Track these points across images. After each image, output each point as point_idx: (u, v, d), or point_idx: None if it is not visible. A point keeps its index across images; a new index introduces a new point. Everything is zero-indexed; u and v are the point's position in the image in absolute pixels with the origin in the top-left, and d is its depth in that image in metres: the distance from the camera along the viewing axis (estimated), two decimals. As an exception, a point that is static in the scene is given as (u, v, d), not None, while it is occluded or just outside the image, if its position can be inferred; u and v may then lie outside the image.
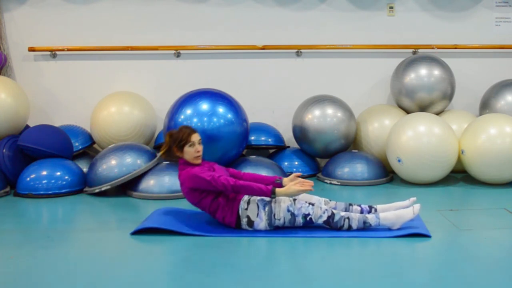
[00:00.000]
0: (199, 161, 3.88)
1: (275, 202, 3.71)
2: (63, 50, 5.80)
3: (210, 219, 4.00)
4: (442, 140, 4.97)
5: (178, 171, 3.92)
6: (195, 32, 5.88)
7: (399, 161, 5.04)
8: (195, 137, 3.88)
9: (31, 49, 5.77)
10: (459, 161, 5.11)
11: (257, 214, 3.71)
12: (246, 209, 3.72)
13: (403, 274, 3.08)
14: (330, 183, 5.24)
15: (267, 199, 3.74)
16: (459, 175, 5.38)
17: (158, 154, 5.08)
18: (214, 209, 3.79)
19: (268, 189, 3.66)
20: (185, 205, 4.50)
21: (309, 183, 3.73)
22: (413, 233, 3.63)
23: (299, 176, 3.83)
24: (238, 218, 3.74)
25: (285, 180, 3.85)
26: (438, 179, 5.10)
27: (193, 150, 3.85)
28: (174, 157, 3.93)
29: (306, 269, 3.18)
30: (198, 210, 4.28)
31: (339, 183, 5.20)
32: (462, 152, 5.05)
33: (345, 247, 3.51)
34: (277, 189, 3.68)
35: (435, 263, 3.26)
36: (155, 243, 3.60)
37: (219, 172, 3.88)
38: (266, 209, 3.71)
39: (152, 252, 3.50)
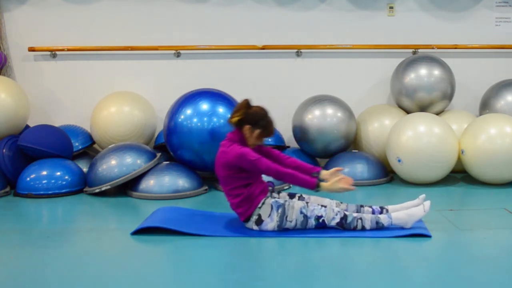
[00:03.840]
0: (254, 146, 3.78)
1: (288, 204, 3.69)
2: (63, 50, 5.80)
3: (210, 219, 4.00)
4: (442, 140, 4.97)
5: (221, 147, 3.77)
6: (195, 32, 5.87)
7: (399, 161, 5.04)
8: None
9: (31, 49, 5.76)
10: (459, 161, 5.11)
11: (269, 214, 3.68)
12: (260, 207, 3.69)
13: (403, 274, 3.08)
14: (330, 183, 5.23)
15: (281, 201, 3.70)
16: (459, 175, 5.37)
17: (158, 156, 5.08)
18: (237, 194, 3.68)
19: (313, 182, 3.62)
20: (185, 205, 4.50)
21: (349, 181, 3.71)
22: (413, 233, 3.64)
23: (339, 171, 3.81)
24: (251, 214, 3.70)
25: (324, 173, 3.79)
26: (438, 179, 5.10)
27: (263, 139, 3.78)
28: (238, 126, 3.75)
29: (306, 269, 3.17)
30: (199, 210, 4.29)
31: (339, 183, 5.19)
32: (462, 152, 5.04)
33: (345, 247, 3.51)
34: (322, 183, 3.64)
35: (435, 263, 3.26)
36: (155, 243, 3.60)
37: (265, 155, 3.80)
38: (279, 210, 3.67)
39: (152, 252, 3.50)
